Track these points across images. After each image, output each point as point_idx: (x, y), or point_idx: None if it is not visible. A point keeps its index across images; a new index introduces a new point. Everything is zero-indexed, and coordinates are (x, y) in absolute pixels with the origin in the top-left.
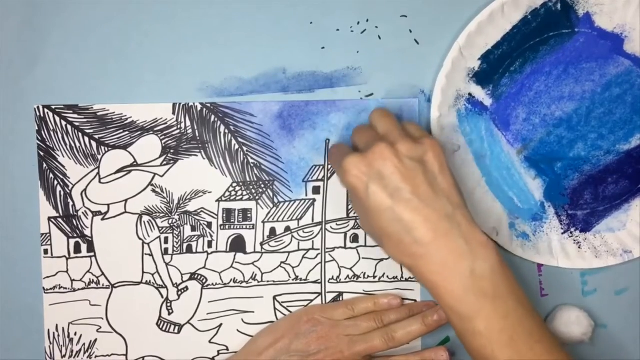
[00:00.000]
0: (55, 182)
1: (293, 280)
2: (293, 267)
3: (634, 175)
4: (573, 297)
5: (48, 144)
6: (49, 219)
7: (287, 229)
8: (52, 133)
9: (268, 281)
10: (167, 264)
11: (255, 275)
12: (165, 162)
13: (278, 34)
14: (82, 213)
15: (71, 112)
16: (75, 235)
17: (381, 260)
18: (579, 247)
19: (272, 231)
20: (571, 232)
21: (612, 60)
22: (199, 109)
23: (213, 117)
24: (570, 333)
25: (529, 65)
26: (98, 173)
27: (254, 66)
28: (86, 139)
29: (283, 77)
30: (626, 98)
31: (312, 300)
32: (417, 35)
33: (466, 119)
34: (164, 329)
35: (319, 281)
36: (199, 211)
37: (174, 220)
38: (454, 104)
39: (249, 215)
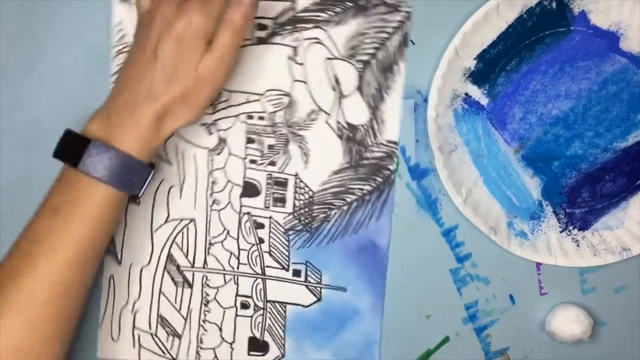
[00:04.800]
0: None
1: None
2: None
3: (631, 172)
4: (572, 295)
5: None
6: None
7: None
8: None
9: None
10: None
11: None
12: None
13: None
14: None
15: None
16: None
17: None
18: (578, 246)
19: None
20: (569, 231)
21: (608, 58)
22: None
23: None
24: (570, 331)
25: (525, 64)
26: None
27: None
28: None
29: None
30: (622, 96)
31: None
32: (413, 36)
33: (463, 118)
34: None
35: None
36: None
37: None
38: (451, 103)
39: None
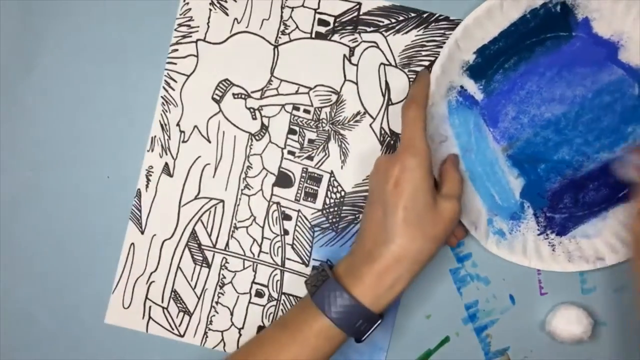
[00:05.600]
0: None
1: None
2: None
3: (614, 184)
4: (572, 295)
5: None
6: None
7: None
8: None
9: None
10: None
11: None
12: None
13: None
14: None
15: None
16: None
17: None
18: (553, 250)
19: None
20: (547, 234)
21: (606, 67)
22: None
23: None
24: (570, 331)
25: (524, 64)
26: None
27: None
28: None
29: None
30: (615, 107)
31: None
32: None
33: (456, 111)
34: None
35: None
36: None
37: None
38: (446, 94)
39: None
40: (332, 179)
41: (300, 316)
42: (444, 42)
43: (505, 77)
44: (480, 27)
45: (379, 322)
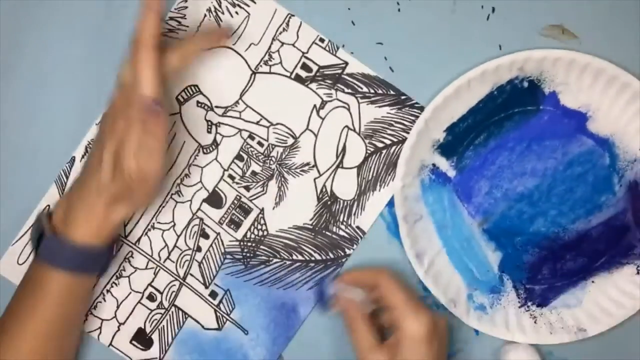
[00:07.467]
0: None
1: None
2: None
3: (592, 253)
4: None
5: None
6: None
7: None
8: None
9: None
10: None
11: None
12: None
13: None
14: None
15: None
16: None
17: None
18: (535, 322)
19: None
20: (528, 306)
21: (575, 139)
22: None
23: None
24: None
25: (493, 139)
26: None
27: None
28: None
29: None
30: (587, 177)
31: None
32: None
33: (429, 189)
34: None
35: None
36: None
37: None
38: (418, 173)
39: None
40: (260, 215)
41: (36, 275)
42: (411, 128)
43: (476, 153)
44: (449, 106)
45: (115, 251)
